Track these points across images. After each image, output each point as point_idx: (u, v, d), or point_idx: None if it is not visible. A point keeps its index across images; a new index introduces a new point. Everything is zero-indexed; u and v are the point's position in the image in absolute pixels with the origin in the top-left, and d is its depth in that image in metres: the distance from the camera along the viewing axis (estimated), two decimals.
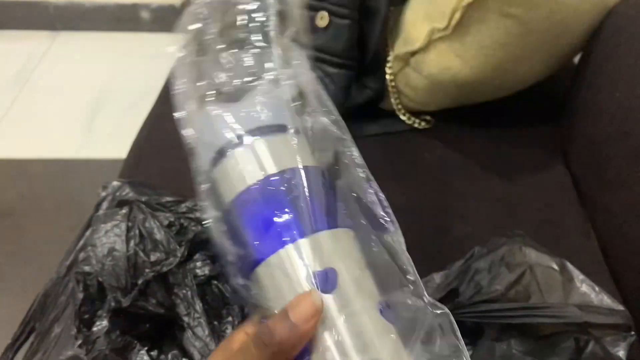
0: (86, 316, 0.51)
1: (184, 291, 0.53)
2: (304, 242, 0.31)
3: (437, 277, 0.50)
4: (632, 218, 0.60)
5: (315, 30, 0.74)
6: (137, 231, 0.53)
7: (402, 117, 0.80)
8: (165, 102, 0.92)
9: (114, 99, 1.59)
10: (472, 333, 0.46)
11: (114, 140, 1.32)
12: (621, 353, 0.42)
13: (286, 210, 0.32)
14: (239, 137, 0.34)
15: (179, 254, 0.53)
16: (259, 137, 0.34)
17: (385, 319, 0.31)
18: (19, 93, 1.62)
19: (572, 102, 0.79)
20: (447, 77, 0.72)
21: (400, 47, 0.75)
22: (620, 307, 0.45)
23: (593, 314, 0.44)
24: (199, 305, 0.52)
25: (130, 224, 0.53)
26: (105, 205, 0.56)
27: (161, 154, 0.81)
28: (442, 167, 0.77)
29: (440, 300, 0.48)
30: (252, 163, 0.33)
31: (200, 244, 0.55)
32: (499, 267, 0.47)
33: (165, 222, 0.55)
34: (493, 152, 0.79)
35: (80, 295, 0.51)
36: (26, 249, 1.18)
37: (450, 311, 0.45)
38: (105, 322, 0.51)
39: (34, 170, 1.38)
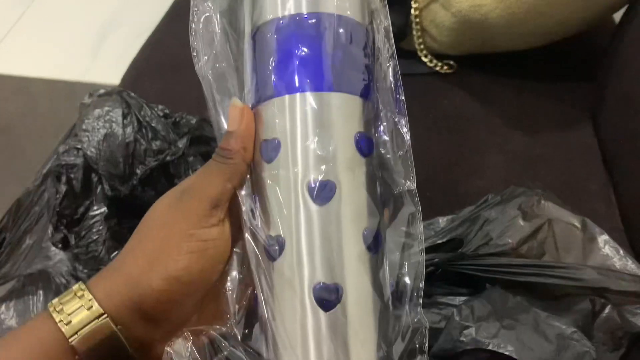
0: (67, 212, 0.47)
1: None
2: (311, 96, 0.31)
3: (442, 221, 0.45)
4: None
5: None
6: (134, 118, 0.48)
7: (424, 59, 0.74)
8: (167, 26, 0.86)
9: (123, 25, 1.53)
10: (473, 287, 0.42)
11: (121, 67, 1.27)
12: None
13: (307, 56, 0.31)
14: None
15: (180, 145, 0.49)
16: None
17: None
18: (26, 9, 1.56)
19: (609, 60, 0.72)
20: (477, 16, 0.66)
21: None
22: None
23: (613, 279, 0.39)
24: None
25: (125, 110, 0.48)
26: (93, 114, 0.51)
27: (158, 75, 0.76)
28: (461, 116, 0.71)
29: (440, 247, 0.44)
30: None
31: (194, 140, 0.51)
32: (513, 217, 0.42)
33: (161, 114, 0.50)
34: (517, 104, 0.73)
35: (63, 188, 0.47)
36: (23, 166, 1.15)
37: (451, 261, 0.41)
38: (104, 208, 0.47)
39: (36, 89, 1.33)
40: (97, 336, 0.29)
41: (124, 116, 0.47)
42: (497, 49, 0.72)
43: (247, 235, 0.32)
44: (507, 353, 0.35)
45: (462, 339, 0.35)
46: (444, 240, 0.42)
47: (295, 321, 0.30)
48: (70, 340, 0.29)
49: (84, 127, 0.47)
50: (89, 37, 1.48)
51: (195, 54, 0.35)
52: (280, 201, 0.31)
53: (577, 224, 0.43)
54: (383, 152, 0.34)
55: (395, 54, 0.35)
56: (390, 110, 0.35)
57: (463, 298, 0.40)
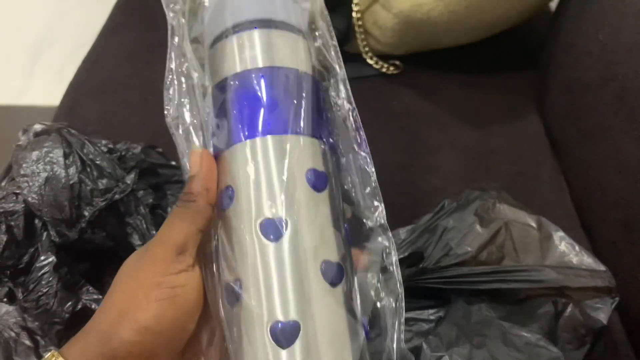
0: (9, 262, 0.44)
1: (138, 220, 0.48)
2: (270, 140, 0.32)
3: (403, 232, 0.45)
4: (611, 169, 0.56)
5: None
6: (76, 157, 0.45)
7: (370, 61, 0.74)
8: (104, 43, 0.83)
9: (56, 42, 1.46)
10: (439, 298, 0.42)
11: (57, 87, 1.21)
12: (602, 317, 0.38)
13: (266, 104, 0.32)
14: (249, 22, 0.34)
15: (129, 181, 0.47)
16: (266, 29, 0.34)
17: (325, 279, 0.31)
18: None
19: (549, 48, 0.73)
20: (418, 15, 0.66)
21: None
22: (602, 267, 0.41)
23: (572, 277, 0.40)
24: (154, 233, 0.46)
25: (66, 149, 0.45)
26: (32, 156, 0.48)
27: (97, 98, 0.73)
28: (411, 116, 0.71)
29: (403, 261, 0.44)
30: (248, 51, 0.33)
31: (142, 173, 0.49)
32: (470, 224, 0.42)
33: (105, 149, 0.48)
34: (465, 100, 0.73)
35: (4, 238, 0.44)
36: None
37: (414, 277, 0.41)
38: (52, 257, 0.44)
39: None
40: None
41: (66, 156, 0.45)
42: (441, 45, 0.72)
43: (209, 284, 0.32)
44: None
45: None
46: (405, 255, 0.42)
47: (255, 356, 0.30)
48: None
49: (22, 171, 0.44)
50: (21, 56, 1.42)
51: (167, 106, 0.35)
52: (236, 245, 0.31)
53: (533, 224, 0.44)
54: (348, 188, 0.35)
55: (352, 100, 0.37)
56: (352, 150, 0.36)
57: (431, 310, 0.40)
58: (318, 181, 0.31)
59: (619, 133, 0.55)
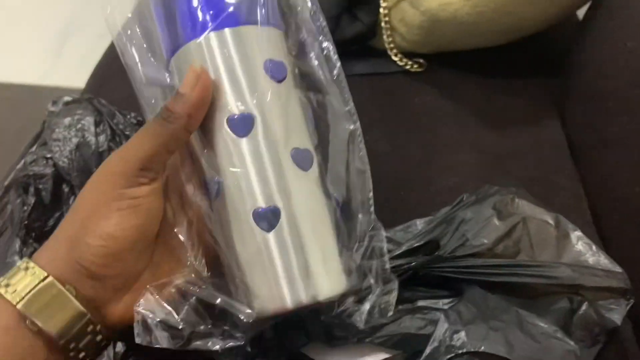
0: (36, 224, 0.45)
1: None
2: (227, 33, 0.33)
3: (420, 223, 0.45)
4: (632, 180, 0.56)
5: None
6: (106, 126, 0.46)
7: (394, 58, 0.74)
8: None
9: (85, 25, 1.49)
10: (452, 289, 0.42)
11: (84, 69, 1.23)
12: (616, 318, 0.38)
13: None
14: None
15: None
16: None
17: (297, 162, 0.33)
18: None
19: (575, 55, 0.73)
20: (446, 14, 0.66)
21: None
22: (618, 269, 0.41)
23: (587, 276, 0.40)
24: None
25: (97, 118, 0.46)
26: (52, 121, 0.49)
27: (124, 80, 0.74)
28: (431, 114, 0.71)
29: (418, 250, 0.44)
30: None
31: None
32: (488, 217, 0.42)
33: (134, 121, 0.49)
34: (486, 102, 0.73)
35: (32, 200, 0.45)
36: None
37: (428, 265, 0.41)
38: None
39: None
40: (43, 298, 0.29)
41: (96, 124, 0.46)
42: (466, 46, 0.73)
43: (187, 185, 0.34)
44: (500, 354, 0.35)
45: (453, 343, 0.35)
46: (421, 243, 0.42)
47: (246, 245, 0.33)
48: (17, 305, 0.29)
49: (54, 136, 0.45)
50: (50, 38, 1.44)
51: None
52: (209, 144, 0.33)
53: (551, 221, 0.43)
54: (317, 77, 0.37)
55: None
56: (315, 39, 0.37)
57: (446, 300, 0.40)
58: (277, 71, 0.33)
59: None
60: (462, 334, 0.35)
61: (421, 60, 0.74)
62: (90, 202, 0.32)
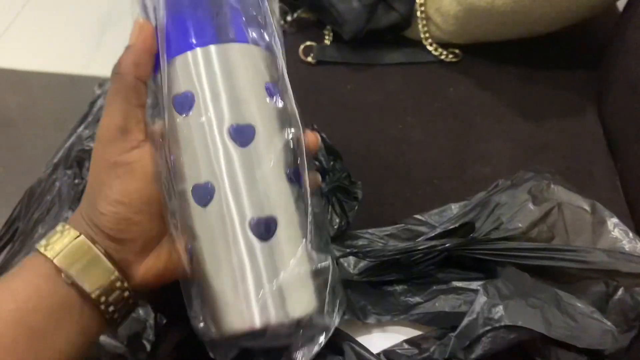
0: None
1: None
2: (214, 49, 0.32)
3: (455, 207, 0.46)
4: None
5: None
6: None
7: (429, 48, 0.74)
8: None
9: (124, 16, 1.52)
10: (486, 271, 0.42)
11: None
12: None
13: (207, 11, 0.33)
14: None
15: None
16: None
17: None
18: (26, 2, 1.55)
19: (614, 47, 0.72)
20: (483, 4, 0.66)
21: None
22: None
23: (623, 261, 0.40)
24: None
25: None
26: (99, 102, 0.51)
27: None
28: (466, 104, 0.71)
29: (453, 232, 0.45)
30: None
31: None
32: (523, 201, 0.42)
33: None
34: (521, 92, 0.73)
35: (87, 174, 0.47)
36: (24, 159, 1.15)
37: (463, 247, 0.42)
38: None
39: (37, 82, 1.33)
40: (76, 254, 0.32)
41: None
42: (503, 37, 0.72)
43: (164, 191, 0.33)
44: (538, 330, 0.35)
45: (491, 316, 0.36)
46: (456, 225, 0.42)
47: (232, 255, 0.32)
48: (53, 260, 0.31)
49: None
50: (90, 29, 1.48)
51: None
52: (201, 150, 0.32)
53: (587, 208, 0.43)
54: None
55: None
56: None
57: (479, 282, 0.40)
58: (275, 92, 0.33)
59: None
60: (501, 307, 0.36)
61: (456, 51, 0.74)
62: (94, 172, 0.34)
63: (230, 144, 0.31)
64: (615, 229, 0.42)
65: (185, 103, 0.32)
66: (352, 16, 0.69)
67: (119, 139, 0.33)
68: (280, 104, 0.33)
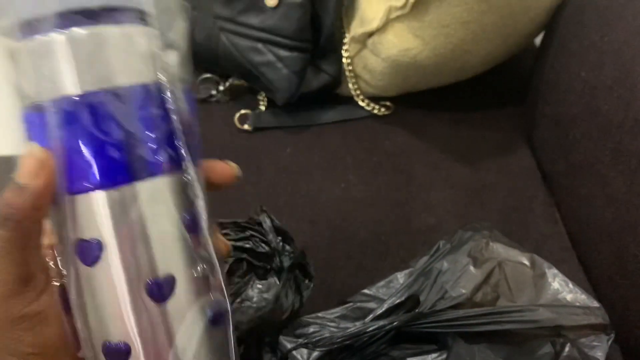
0: None
1: None
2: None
3: (401, 277, 0.46)
4: (601, 202, 0.58)
5: (264, 10, 0.68)
6: None
7: (361, 104, 0.76)
8: None
9: None
10: (437, 342, 0.43)
11: None
12: (599, 355, 0.39)
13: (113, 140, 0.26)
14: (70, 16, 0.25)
15: None
16: (96, 25, 0.26)
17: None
18: None
19: (535, 84, 0.75)
20: (406, 59, 0.68)
21: (356, 28, 0.70)
22: (595, 304, 0.41)
23: (566, 315, 0.41)
24: None
25: None
26: None
27: None
28: (403, 155, 0.73)
29: (400, 306, 0.45)
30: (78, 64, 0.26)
31: None
32: (464, 265, 0.43)
33: None
34: (456, 137, 0.75)
35: None
36: None
37: (411, 322, 0.42)
38: None
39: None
40: None
41: None
42: (430, 86, 0.74)
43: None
44: None
45: None
46: (402, 299, 0.42)
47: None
48: None
49: None
50: None
51: None
52: (111, 306, 0.28)
53: (526, 262, 0.44)
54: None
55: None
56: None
57: (434, 355, 0.40)
58: (192, 223, 0.29)
59: (606, 166, 0.57)
60: None
61: (388, 103, 0.76)
62: None
63: (147, 300, 0.28)
64: (555, 280, 0.43)
65: (92, 251, 0.28)
66: (283, 83, 0.70)
67: (22, 291, 0.28)
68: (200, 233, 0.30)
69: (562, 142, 0.68)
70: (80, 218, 0.28)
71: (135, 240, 0.28)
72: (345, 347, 0.40)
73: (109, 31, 0.26)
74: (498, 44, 0.70)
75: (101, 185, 0.27)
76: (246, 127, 0.74)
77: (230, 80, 0.79)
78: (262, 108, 0.76)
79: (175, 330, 0.28)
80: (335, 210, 0.67)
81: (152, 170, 0.28)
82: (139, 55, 0.27)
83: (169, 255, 0.29)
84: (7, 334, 0.29)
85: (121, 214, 0.27)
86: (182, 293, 0.28)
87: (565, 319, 0.40)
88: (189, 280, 0.29)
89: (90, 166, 0.27)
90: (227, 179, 0.33)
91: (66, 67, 0.25)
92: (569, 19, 0.68)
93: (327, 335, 0.40)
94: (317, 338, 0.40)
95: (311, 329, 0.43)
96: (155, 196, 0.28)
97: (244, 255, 0.51)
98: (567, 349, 0.39)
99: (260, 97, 0.77)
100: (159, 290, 0.28)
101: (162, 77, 0.28)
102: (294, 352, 0.41)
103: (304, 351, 0.40)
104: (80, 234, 0.28)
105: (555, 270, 0.44)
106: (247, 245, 0.52)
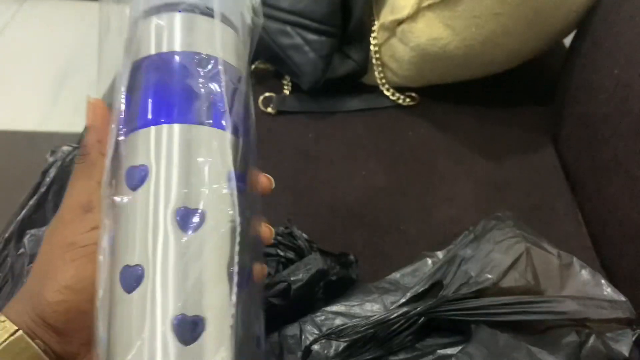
0: None
1: None
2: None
3: (426, 264, 0.45)
4: (627, 202, 0.56)
5: None
6: None
7: (386, 93, 0.75)
8: None
9: (81, 70, 1.50)
10: (460, 330, 0.42)
11: (81, 114, 1.24)
12: (624, 349, 0.38)
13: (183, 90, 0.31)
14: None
15: None
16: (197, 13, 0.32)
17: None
18: None
19: (564, 82, 0.74)
20: (435, 49, 0.67)
21: (386, 16, 0.70)
22: (622, 298, 0.41)
23: (593, 308, 0.40)
24: None
25: None
26: (53, 172, 0.50)
27: None
28: (426, 147, 0.72)
29: (423, 294, 0.44)
30: (173, 33, 0.32)
31: None
32: (489, 252, 0.42)
33: None
34: (480, 132, 0.74)
35: None
36: None
37: (435, 308, 0.41)
38: None
39: None
40: (14, 350, 0.29)
41: None
42: (457, 79, 0.74)
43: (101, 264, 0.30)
44: None
45: None
46: (426, 287, 0.42)
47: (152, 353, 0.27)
48: None
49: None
50: (46, 84, 1.45)
51: None
52: (141, 229, 0.29)
53: (553, 251, 0.44)
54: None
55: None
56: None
57: (462, 346, 0.39)
58: (235, 179, 0.31)
59: (635, 166, 0.56)
60: None
61: (413, 94, 0.75)
62: (46, 255, 0.32)
63: (175, 229, 0.29)
64: (582, 271, 0.42)
65: (136, 176, 0.30)
66: (309, 67, 0.69)
67: (81, 218, 0.31)
68: (238, 191, 0.31)
69: (591, 141, 0.66)
70: (135, 149, 0.31)
71: (177, 168, 0.30)
72: (370, 339, 0.40)
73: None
74: (528, 39, 0.69)
75: (161, 122, 0.31)
76: (269, 110, 0.74)
77: (256, 63, 0.78)
78: (287, 92, 0.76)
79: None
80: (355, 197, 0.67)
81: (204, 121, 0.31)
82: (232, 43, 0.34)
83: (202, 192, 0.30)
84: (52, 259, 0.31)
85: (170, 145, 0.30)
86: (207, 229, 0.29)
87: (592, 312, 0.39)
88: (216, 217, 0.30)
89: (153, 106, 0.31)
90: (265, 190, 0.36)
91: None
92: (603, 16, 0.67)
93: (351, 324, 0.39)
94: (340, 328, 0.39)
95: (336, 321, 0.42)
96: (205, 139, 0.31)
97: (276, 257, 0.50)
98: (591, 340, 0.38)
99: (284, 82, 0.77)
100: (185, 218, 0.29)
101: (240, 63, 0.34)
102: (316, 346, 0.40)
103: (329, 343, 0.40)
104: (131, 162, 0.30)
105: (581, 262, 0.43)
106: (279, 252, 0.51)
